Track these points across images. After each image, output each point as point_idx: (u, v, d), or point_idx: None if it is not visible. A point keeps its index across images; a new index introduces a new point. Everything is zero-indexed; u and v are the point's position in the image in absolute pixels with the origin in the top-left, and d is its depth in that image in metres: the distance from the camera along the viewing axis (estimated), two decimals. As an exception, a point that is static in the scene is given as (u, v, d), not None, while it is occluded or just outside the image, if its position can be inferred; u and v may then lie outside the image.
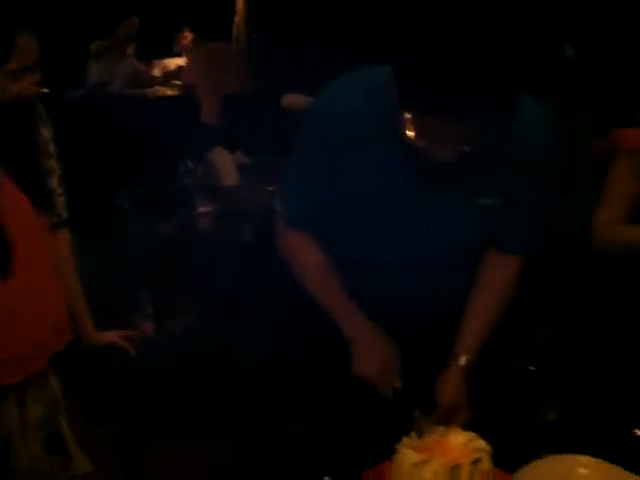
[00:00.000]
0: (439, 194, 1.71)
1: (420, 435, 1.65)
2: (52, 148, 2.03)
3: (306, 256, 1.87)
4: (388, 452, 1.63)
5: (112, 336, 2.18)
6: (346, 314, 1.83)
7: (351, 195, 1.77)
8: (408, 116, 1.56)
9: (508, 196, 1.75)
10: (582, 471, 1.59)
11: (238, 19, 7.30)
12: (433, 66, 1.48)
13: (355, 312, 1.83)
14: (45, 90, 1.91)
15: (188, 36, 6.93)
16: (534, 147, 1.73)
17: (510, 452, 1.65)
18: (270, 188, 3.72)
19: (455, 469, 1.54)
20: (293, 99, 4.58)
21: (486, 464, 1.57)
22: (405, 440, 1.62)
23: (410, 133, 1.57)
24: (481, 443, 1.61)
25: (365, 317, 1.83)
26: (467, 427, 1.69)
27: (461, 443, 1.62)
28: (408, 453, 1.57)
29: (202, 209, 5.11)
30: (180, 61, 6.94)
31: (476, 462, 1.56)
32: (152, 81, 6.83)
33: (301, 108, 3.95)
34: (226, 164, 5.11)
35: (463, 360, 1.82)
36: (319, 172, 1.78)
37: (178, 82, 6.77)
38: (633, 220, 2.23)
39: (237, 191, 4.95)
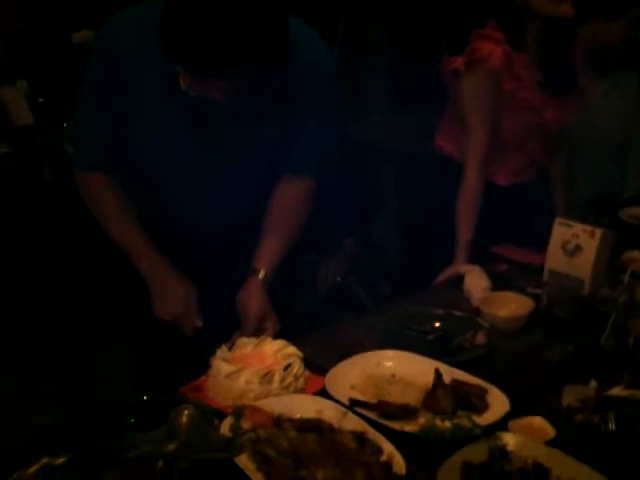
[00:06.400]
0: (223, 130, 1.74)
1: (230, 348, 1.68)
2: None
3: (105, 203, 1.86)
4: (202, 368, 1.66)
5: None
6: (143, 257, 1.85)
7: (138, 134, 1.77)
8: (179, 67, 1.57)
9: (292, 124, 1.81)
10: (389, 364, 1.68)
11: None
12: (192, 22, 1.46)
13: (152, 255, 1.85)
14: None
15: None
16: (315, 76, 1.78)
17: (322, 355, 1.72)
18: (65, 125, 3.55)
19: (267, 375, 1.58)
20: (82, 35, 4.37)
21: (297, 368, 1.62)
22: (218, 353, 1.64)
23: (182, 83, 1.59)
24: (292, 349, 1.67)
25: (162, 257, 1.85)
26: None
27: (273, 351, 1.67)
28: (221, 365, 1.60)
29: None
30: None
31: (287, 367, 1.61)
32: None
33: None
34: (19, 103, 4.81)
35: (262, 274, 1.88)
36: (107, 108, 1.76)
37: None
38: None
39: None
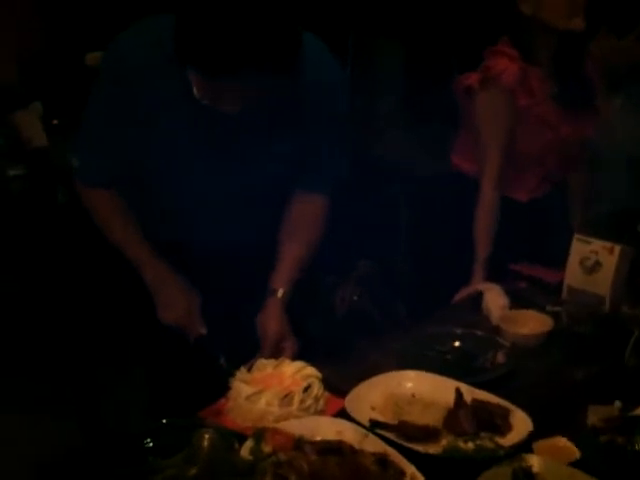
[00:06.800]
0: (235, 146, 1.75)
1: (249, 369, 1.67)
2: None
3: (108, 216, 1.89)
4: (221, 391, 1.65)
5: None
6: (147, 265, 1.88)
7: (151, 148, 1.77)
8: (192, 72, 1.57)
9: (304, 141, 1.80)
10: (410, 384, 1.66)
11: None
12: (207, 26, 1.46)
13: (156, 262, 1.88)
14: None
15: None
16: (324, 89, 1.77)
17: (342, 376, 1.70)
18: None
19: (287, 397, 1.57)
20: (96, 57, 4.40)
21: (316, 389, 1.61)
22: (238, 375, 1.63)
23: (196, 90, 1.59)
24: (311, 370, 1.66)
25: (166, 267, 1.88)
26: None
27: (292, 372, 1.65)
28: (241, 387, 1.59)
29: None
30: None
31: (307, 389, 1.60)
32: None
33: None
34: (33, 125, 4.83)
35: (281, 293, 1.88)
36: (114, 125, 1.77)
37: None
38: None
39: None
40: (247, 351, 1.82)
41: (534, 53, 2.25)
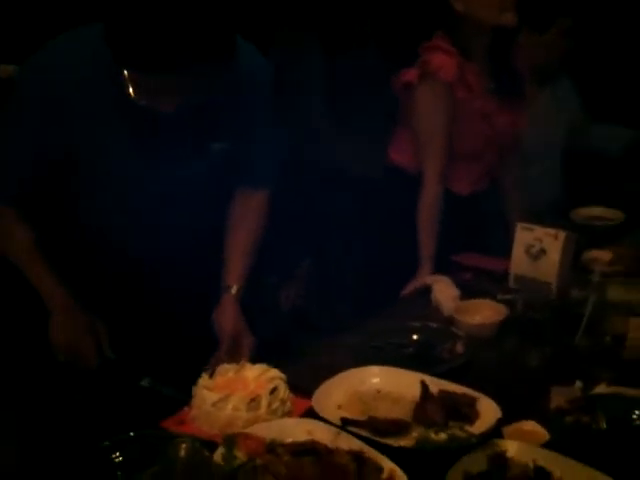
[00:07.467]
0: (170, 147, 1.72)
1: (211, 375, 1.64)
2: None
3: (11, 238, 1.83)
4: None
5: None
6: (46, 288, 1.81)
7: (81, 155, 1.73)
8: (126, 73, 1.54)
9: (241, 137, 1.81)
10: (374, 380, 1.66)
11: None
12: (141, 20, 1.44)
13: (54, 284, 1.81)
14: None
15: None
16: (256, 87, 1.80)
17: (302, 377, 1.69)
18: None
19: (254, 401, 1.54)
20: (6, 70, 4.26)
21: (282, 391, 1.59)
22: (200, 382, 1.60)
23: (132, 91, 1.56)
24: (275, 372, 1.64)
25: (64, 290, 1.81)
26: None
27: (255, 375, 1.63)
28: (206, 394, 1.55)
29: None
30: None
31: (273, 391, 1.58)
32: None
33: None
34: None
35: (235, 289, 1.89)
36: (31, 140, 1.71)
37: None
38: None
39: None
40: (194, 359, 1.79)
41: (468, 48, 2.29)
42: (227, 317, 1.86)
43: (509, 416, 1.51)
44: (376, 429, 1.48)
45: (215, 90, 1.61)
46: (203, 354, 1.83)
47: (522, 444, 1.41)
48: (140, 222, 1.82)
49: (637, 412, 1.47)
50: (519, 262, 2.10)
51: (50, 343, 1.81)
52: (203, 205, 1.87)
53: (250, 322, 1.95)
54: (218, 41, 1.50)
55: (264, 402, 1.55)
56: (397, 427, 1.49)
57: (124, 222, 1.83)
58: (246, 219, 1.94)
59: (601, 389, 1.56)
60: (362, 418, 1.52)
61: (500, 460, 1.37)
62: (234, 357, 1.76)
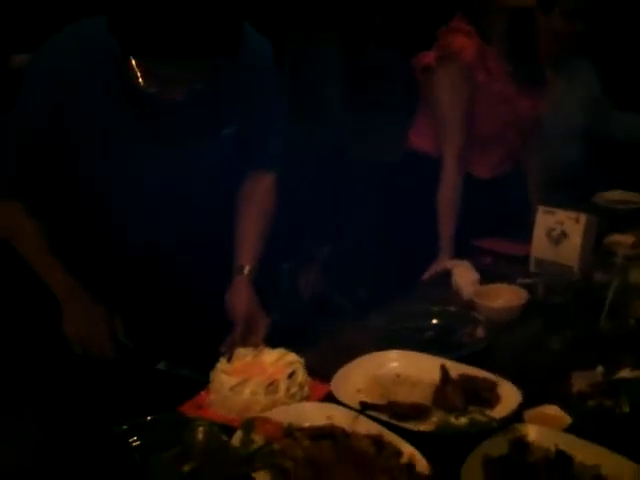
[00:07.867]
0: (179, 135, 1.73)
1: (229, 359, 1.63)
2: None
3: (19, 231, 1.81)
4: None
5: None
6: (55, 278, 1.80)
7: (92, 147, 1.73)
8: (133, 63, 1.54)
9: (248, 118, 1.81)
10: (393, 364, 1.65)
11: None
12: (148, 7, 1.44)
13: (64, 276, 1.80)
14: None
15: None
16: (258, 67, 1.79)
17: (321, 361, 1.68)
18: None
19: (272, 385, 1.53)
20: (21, 60, 4.27)
21: (301, 376, 1.58)
22: (218, 366, 1.59)
23: (141, 80, 1.56)
24: (293, 357, 1.63)
25: (74, 281, 1.80)
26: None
27: (273, 360, 1.62)
28: (224, 378, 1.55)
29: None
30: None
31: (291, 375, 1.57)
32: None
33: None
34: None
35: (247, 269, 1.87)
36: (33, 120, 1.71)
37: None
38: None
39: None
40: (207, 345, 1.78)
41: (487, 31, 2.25)
42: (240, 298, 1.83)
43: (530, 400, 1.49)
44: (396, 413, 1.47)
45: (223, 76, 1.61)
46: (219, 336, 1.81)
47: (543, 428, 1.39)
48: (154, 206, 1.82)
49: (661, 397, 1.45)
50: (540, 246, 2.07)
51: (65, 335, 1.78)
52: (216, 187, 1.87)
53: (265, 305, 1.95)
54: (226, 27, 1.49)
55: (282, 386, 1.54)
56: (417, 411, 1.48)
57: (138, 207, 1.82)
58: (258, 200, 1.93)
59: (624, 374, 1.54)
60: (381, 402, 1.51)
61: (521, 444, 1.35)
62: (249, 338, 1.75)
